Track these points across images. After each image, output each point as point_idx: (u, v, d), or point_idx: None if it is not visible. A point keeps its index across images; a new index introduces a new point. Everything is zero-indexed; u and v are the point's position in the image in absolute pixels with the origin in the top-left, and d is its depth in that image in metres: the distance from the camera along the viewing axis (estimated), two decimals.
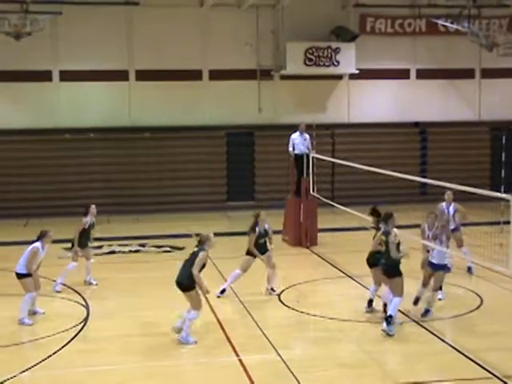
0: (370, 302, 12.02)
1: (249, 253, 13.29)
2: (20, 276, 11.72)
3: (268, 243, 13.36)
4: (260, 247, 13.16)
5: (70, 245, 14.21)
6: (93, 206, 14.09)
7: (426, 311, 11.60)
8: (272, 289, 13.37)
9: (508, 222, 9.41)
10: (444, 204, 14.19)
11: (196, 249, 10.62)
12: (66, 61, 23.10)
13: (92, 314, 12.10)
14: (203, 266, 10.49)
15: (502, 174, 19.48)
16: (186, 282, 10.41)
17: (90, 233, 14.10)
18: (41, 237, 11.89)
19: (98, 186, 23.22)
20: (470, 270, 14.52)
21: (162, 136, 23.70)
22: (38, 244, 11.82)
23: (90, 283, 14.25)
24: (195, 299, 10.50)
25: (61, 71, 23.27)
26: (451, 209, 14.11)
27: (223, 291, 13.19)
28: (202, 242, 10.65)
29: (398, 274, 11.00)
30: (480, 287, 13.36)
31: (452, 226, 13.62)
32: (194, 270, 10.34)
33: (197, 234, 11.49)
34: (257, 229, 13.16)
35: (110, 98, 23.69)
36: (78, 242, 13.81)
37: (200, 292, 10.52)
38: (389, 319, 10.75)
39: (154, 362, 9.84)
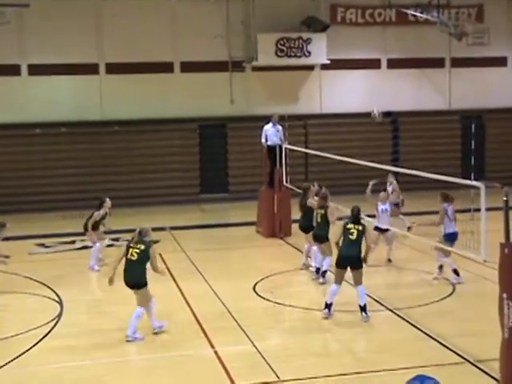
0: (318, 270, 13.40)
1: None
2: None
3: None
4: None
5: (43, 240, 14.27)
6: (107, 199, 15.14)
7: None
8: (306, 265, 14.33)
9: (479, 210, 9.49)
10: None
11: (142, 246, 10.39)
12: (34, 55, 22.84)
13: (65, 310, 12.02)
14: (148, 259, 10.41)
15: (472, 161, 19.67)
16: (141, 281, 10.42)
17: (101, 222, 15.11)
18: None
19: (70, 181, 23.01)
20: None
21: (133, 129, 23.56)
22: None
23: (93, 269, 14.72)
24: (146, 297, 10.48)
25: (29, 65, 23.00)
26: (390, 187, 16.37)
27: (319, 272, 13.52)
28: (143, 237, 10.52)
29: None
30: (452, 274, 13.47)
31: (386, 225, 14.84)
32: (156, 266, 10.48)
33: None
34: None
35: (80, 91, 23.47)
36: (92, 228, 14.87)
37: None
38: (365, 308, 10.97)
39: (127, 357, 9.83)
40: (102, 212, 15.04)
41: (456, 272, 13.05)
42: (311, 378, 8.86)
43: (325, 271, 13.28)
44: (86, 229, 15.05)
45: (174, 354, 9.83)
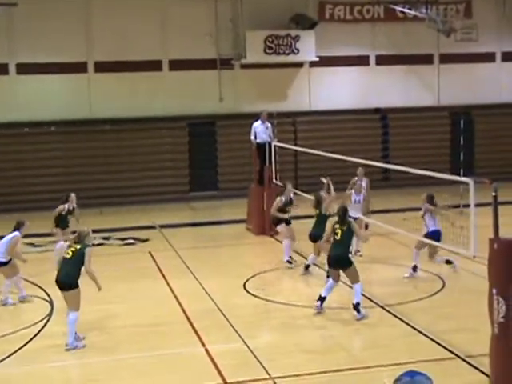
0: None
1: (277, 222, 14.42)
2: (2, 264, 12.16)
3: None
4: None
5: (33, 240, 14.24)
6: (73, 194, 14.70)
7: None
8: (289, 261, 14.32)
9: (468, 205, 9.53)
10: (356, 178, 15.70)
11: (78, 246, 10.16)
12: (23, 53, 22.74)
13: (56, 309, 11.98)
14: (82, 259, 10.10)
15: (461, 157, 19.74)
16: (72, 281, 10.01)
17: (68, 219, 14.55)
18: (19, 227, 12.36)
19: (59, 180, 22.91)
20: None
21: (123, 128, 23.51)
22: (17, 233, 12.30)
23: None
24: (77, 299, 10.08)
25: (17, 64, 22.92)
26: (364, 183, 15.76)
27: (289, 262, 14.16)
28: (82, 238, 10.28)
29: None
30: (442, 270, 13.53)
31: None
32: (89, 267, 10.06)
33: (73, 232, 11.72)
34: (283, 198, 14.08)
35: (69, 90, 23.41)
36: (57, 224, 14.37)
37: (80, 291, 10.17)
38: (357, 307, 10.94)
39: (119, 355, 9.79)
40: (67, 206, 14.43)
41: (449, 261, 13.35)
42: (302, 375, 8.87)
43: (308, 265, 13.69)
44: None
45: (164, 353, 9.81)
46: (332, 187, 14.12)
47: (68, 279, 10.04)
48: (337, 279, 11.24)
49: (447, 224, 12.97)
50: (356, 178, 15.43)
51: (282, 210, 14.59)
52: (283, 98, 24.73)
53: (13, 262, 12.36)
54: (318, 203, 13.53)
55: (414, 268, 13.26)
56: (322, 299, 11.17)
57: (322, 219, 13.32)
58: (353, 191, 14.98)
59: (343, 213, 11.24)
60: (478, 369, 8.81)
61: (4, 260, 12.23)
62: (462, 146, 19.95)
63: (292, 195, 14.87)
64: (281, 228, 14.84)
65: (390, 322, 10.93)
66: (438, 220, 13.04)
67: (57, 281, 10.18)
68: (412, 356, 9.24)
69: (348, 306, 11.44)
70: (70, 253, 10.20)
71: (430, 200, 13.17)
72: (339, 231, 11.08)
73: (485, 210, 8.63)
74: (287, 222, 14.70)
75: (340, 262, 11.05)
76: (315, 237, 13.16)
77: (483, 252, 8.55)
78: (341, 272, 11.21)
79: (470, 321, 10.53)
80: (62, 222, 14.50)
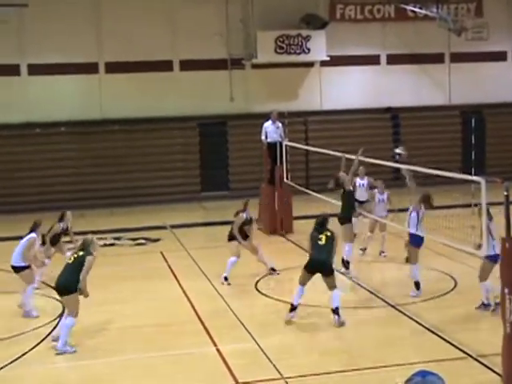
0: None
1: (231, 238, 13.40)
2: (19, 269, 11.65)
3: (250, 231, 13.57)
4: (243, 233, 13.37)
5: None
6: (68, 212, 13.81)
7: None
8: (272, 269, 13.76)
9: (479, 204, 9.50)
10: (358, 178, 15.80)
11: (81, 252, 10.14)
12: (34, 54, 22.84)
13: None
14: (82, 266, 10.04)
15: (472, 156, 19.67)
16: (70, 286, 9.98)
17: (61, 237, 13.67)
18: (35, 227, 11.95)
19: (71, 181, 23.05)
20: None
21: (134, 128, 23.57)
22: (33, 235, 11.86)
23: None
24: (75, 304, 10.04)
25: (29, 65, 23.03)
26: (365, 181, 15.96)
27: (226, 279, 13.30)
28: (86, 246, 10.27)
29: None
30: (454, 269, 13.49)
31: (363, 199, 15.58)
32: (84, 274, 9.99)
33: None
34: (244, 214, 13.35)
35: (80, 91, 23.49)
36: (50, 242, 13.48)
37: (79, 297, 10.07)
38: (337, 311, 10.68)
39: (130, 355, 9.81)
40: (62, 225, 13.56)
41: (417, 285, 12.07)
42: (314, 375, 8.86)
43: (347, 262, 13.42)
44: (43, 242, 13.20)
45: (176, 353, 9.83)
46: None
47: (65, 283, 10.01)
48: (305, 283, 10.88)
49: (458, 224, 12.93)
50: (374, 189, 15.46)
51: (241, 227, 13.46)
52: (294, 98, 24.72)
53: (31, 269, 11.76)
54: (339, 183, 13.57)
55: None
56: (294, 308, 10.86)
57: (348, 197, 13.52)
58: (376, 190, 15.06)
59: (322, 222, 11.08)
60: (489, 368, 8.78)
61: (20, 264, 11.62)
62: (473, 145, 19.89)
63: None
64: (232, 245, 13.51)
65: (401, 321, 10.91)
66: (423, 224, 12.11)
67: (56, 285, 10.21)
68: (423, 355, 9.22)
69: (360, 305, 11.45)
70: (72, 258, 10.22)
71: (427, 201, 12.18)
72: (323, 236, 10.86)
73: (496, 209, 8.60)
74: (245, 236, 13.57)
75: (324, 267, 10.76)
76: (345, 218, 13.37)
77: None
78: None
79: (482, 320, 10.51)
80: (55, 240, 13.54)
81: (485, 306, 11.04)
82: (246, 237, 13.46)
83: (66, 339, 9.94)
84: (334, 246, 10.97)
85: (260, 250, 13.68)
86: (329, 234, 10.94)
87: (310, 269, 10.85)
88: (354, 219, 14.55)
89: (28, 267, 11.73)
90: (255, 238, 13.95)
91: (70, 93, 23.43)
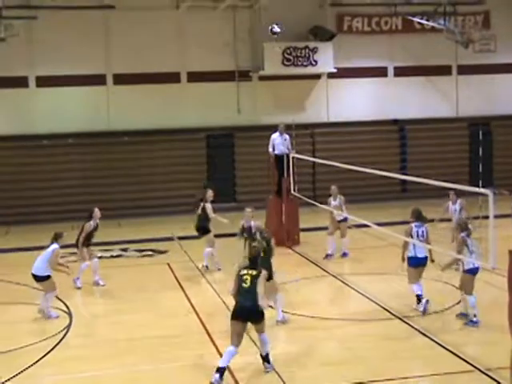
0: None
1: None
2: (42, 278, 12.15)
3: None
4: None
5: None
6: (96, 210, 14.54)
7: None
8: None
9: (486, 217, 9.46)
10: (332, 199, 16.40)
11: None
12: (42, 66, 22.96)
13: (75, 321, 12.03)
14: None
15: (480, 169, 19.62)
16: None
17: (93, 235, 14.44)
18: (57, 238, 12.37)
19: (78, 192, 23.08)
20: (344, 255, 16.28)
21: (141, 140, 23.63)
22: (56, 245, 12.26)
23: (98, 284, 14.43)
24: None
25: (37, 77, 23.14)
26: (337, 201, 16.29)
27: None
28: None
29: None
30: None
31: (340, 217, 16.18)
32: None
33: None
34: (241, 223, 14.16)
35: (87, 102, 23.58)
36: (83, 243, 14.22)
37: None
38: (267, 357, 9.51)
39: (138, 367, 9.80)
40: (92, 223, 14.30)
41: (419, 299, 11.88)
42: None
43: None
44: (77, 244, 14.20)
45: (182, 364, 9.81)
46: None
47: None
48: (238, 342, 9.18)
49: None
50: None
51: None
52: (301, 110, 24.74)
53: (52, 277, 12.25)
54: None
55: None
56: (220, 371, 8.94)
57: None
58: (413, 225, 12.16)
59: (256, 255, 9.68)
60: (497, 381, 8.72)
61: (43, 274, 12.10)
62: (481, 158, 19.83)
63: (253, 223, 14.11)
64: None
65: (409, 334, 10.86)
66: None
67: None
68: (431, 369, 9.18)
69: (368, 318, 11.39)
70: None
71: (418, 216, 12.01)
72: (248, 277, 9.27)
73: (504, 221, 8.58)
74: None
75: (252, 315, 9.24)
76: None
77: (503, 264, 8.49)
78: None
79: (490, 333, 10.45)
80: (89, 240, 14.32)
81: (464, 315, 11.26)
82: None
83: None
84: (260, 285, 9.27)
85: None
86: (255, 273, 9.33)
87: (237, 317, 9.24)
88: (328, 238, 16.22)
89: (50, 277, 12.19)
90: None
91: (78, 104, 23.52)
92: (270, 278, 10.93)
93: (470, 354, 9.68)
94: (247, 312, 9.21)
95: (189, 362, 9.90)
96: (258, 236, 11.93)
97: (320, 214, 19.83)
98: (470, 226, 11.02)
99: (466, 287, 11.12)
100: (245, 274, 9.32)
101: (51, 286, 12.18)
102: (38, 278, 12.17)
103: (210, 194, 16.00)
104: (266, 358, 9.53)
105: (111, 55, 23.49)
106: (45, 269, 12.10)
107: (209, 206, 15.69)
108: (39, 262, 12.18)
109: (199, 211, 15.80)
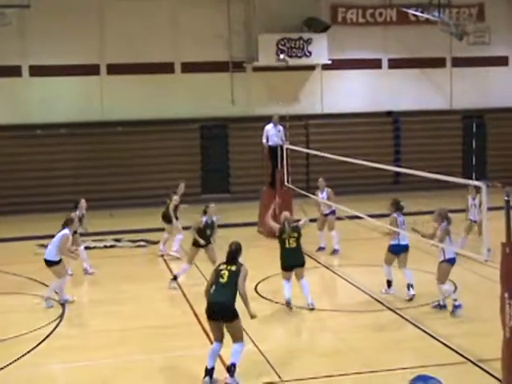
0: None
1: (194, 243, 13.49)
2: (53, 263, 12.20)
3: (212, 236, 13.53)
4: (205, 238, 13.30)
5: (45, 241, 14.15)
6: (82, 200, 14.56)
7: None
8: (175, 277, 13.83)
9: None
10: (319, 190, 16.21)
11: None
12: (35, 55, 22.84)
13: (68, 310, 12.03)
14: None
15: (473, 161, 19.69)
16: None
17: (79, 224, 14.31)
18: (68, 223, 12.48)
19: (71, 182, 23.02)
20: (335, 251, 15.95)
21: (134, 130, 23.58)
22: (67, 231, 12.34)
23: (87, 271, 14.49)
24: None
25: (30, 66, 23.03)
26: (324, 194, 16.08)
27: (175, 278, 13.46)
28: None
29: None
30: (454, 273, 13.43)
31: (327, 211, 16.01)
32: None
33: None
34: (203, 219, 13.34)
35: (81, 92, 23.49)
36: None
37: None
38: (232, 368, 8.66)
39: (131, 357, 9.82)
40: (78, 213, 14.30)
41: (389, 283, 12.46)
42: (313, 379, 8.86)
43: None
44: None
45: (174, 355, 9.84)
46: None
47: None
48: (220, 338, 8.83)
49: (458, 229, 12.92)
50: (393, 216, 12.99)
51: (200, 232, 13.35)
52: (295, 101, 24.72)
53: (63, 262, 12.37)
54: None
55: (389, 283, 12.58)
56: (209, 372, 8.69)
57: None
58: (395, 215, 12.44)
59: (235, 250, 9.17)
60: (489, 373, 8.78)
61: (54, 259, 12.18)
62: (474, 150, 19.90)
63: (215, 218, 13.61)
64: (189, 250, 13.83)
65: (401, 325, 10.91)
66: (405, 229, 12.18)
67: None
68: (423, 360, 9.21)
69: (360, 309, 11.43)
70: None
71: (396, 207, 12.31)
72: (226, 272, 8.86)
73: (497, 214, 8.60)
74: (203, 245, 13.39)
75: (224, 311, 8.68)
76: None
77: (495, 256, 8.52)
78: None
79: (482, 325, 10.49)
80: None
81: (441, 306, 11.46)
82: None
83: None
84: (240, 283, 8.81)
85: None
86: (234, 268, 8.90)
87: (210, 316, 8.81)
88: (318, 232, 16.09)
89: (60, 261, 12.26)
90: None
91: (72, 94, 23.43)
92: (303, 264, 11.89)
93: (461, 345, 9.73)
94: (219, 308, 8.67)
95: (182, 352, 9.91)
96: (286, 226, 11.95)
97: (314, 206, 19.90)
98: (449, 216, 11.27)
99: (443, 276, 11.30)
100: (223, 269, 8.90)
101: (62, 271, 12.26)
102: (49, 263, 12.23)
103: (181, 187, 16.32)
104: (230, 369, 8.59)
105: (105, 45, 23.39)
106: (55, 254, 12.17)
107: (175, 198, 15.92)
108: (50, 247, 12.29)
109: (168, 201, 15.90)
